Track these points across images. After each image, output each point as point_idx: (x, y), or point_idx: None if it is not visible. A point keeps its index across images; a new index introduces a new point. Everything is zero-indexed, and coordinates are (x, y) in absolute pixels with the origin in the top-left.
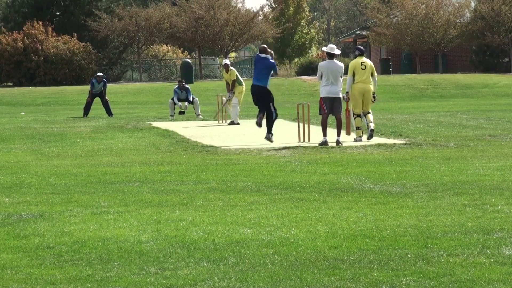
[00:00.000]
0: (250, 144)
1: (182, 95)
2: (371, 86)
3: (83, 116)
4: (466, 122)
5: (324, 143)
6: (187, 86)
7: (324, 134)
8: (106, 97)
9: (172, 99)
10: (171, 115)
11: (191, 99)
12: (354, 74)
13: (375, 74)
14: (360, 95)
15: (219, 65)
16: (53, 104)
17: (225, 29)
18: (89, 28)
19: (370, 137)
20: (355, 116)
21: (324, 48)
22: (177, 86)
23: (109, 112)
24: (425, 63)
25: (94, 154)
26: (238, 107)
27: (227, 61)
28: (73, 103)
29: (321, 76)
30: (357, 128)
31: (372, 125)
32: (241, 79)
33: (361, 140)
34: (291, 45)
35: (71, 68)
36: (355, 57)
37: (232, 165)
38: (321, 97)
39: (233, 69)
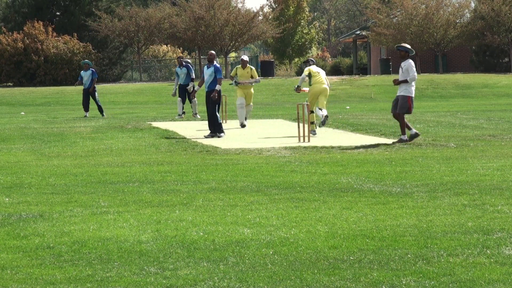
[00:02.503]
0: (250, 144)
1: (182, 71)
2: (327, 86)
3: (85, 113)
4: (466, 122)
5: (415, 135)
6: (187, 63)
7: (409, 128)
8: (96, 95)
9: (180, 96)
10: (179, 114)
11: (193, 75)
12: (310, 76)
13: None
14: (316, 95)
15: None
16: (53, 104)
17: (225, 29)
18: (89, 28)
19: (323, 123)
20: (310, 112)
21: (407, 45)
22: (178, 66)
23: (100, 110)
24: (425, 63)
25: (94, 154)
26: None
27: (246, 57)
28: (73, 103)
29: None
30: (311, 123)
31: (325, 112)
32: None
33: (315, 134)
34: (291, 45)
35: (71, 68)
36: (307, 66)
37: (232, 165)
38: (411, 97)
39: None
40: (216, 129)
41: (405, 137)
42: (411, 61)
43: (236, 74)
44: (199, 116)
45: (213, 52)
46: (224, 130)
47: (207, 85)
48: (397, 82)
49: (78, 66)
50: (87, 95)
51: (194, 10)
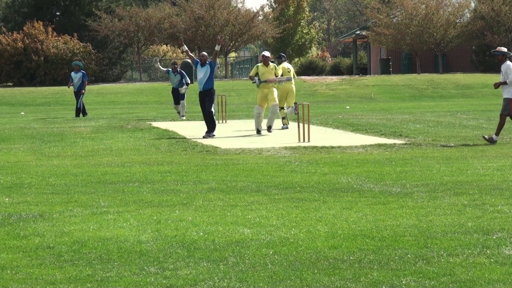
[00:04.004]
0: (250, 144)
1: (176, 77)
2: (293, 86)
3: (83, 115)
4: (466, 122)
5: (493, 141)
6: (182, 70)
7: (497, 133)
8: (83, 90)
9: (175, 102)
10: (182, 116)
11: (188, 81)
12: (282, 74)
13: (295, 76)
14: (284, 93)
15: (219, 65)
16: (53, 104)
17: (225, 29)
18: (89, 28)
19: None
20: (280, 108)
21: (502, 49)
22: (170, 69)
23: (83, 112)
24: (425, 63)
25: (94, 154)
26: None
27: (267, 53)
28: (73, 103)
29: None
30: (283, 118)
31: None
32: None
33: (287, 128)
34: (291, 45)
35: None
36: (280, 63)
37: (232, 165)
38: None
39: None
40: (210, 128)
41: (496, 137)
42: (509, 63)
43: (257, 73)
44: (184, 118)
45: (205, 53)
46: (224, 131)
47: (202, 84)
48: (497, 85)
49: None
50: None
51: (194, 10)
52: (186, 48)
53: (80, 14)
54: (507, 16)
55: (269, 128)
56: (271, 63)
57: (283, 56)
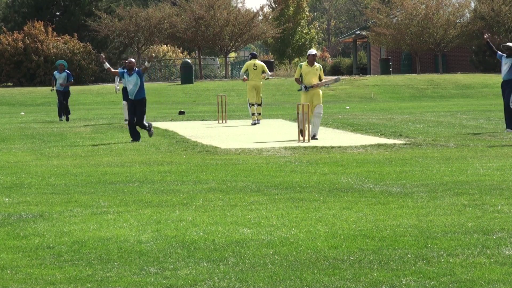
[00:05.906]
0: (250, 144)
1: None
2: (261, 83)
3: (59, 120)
4: (466, 122)
5: None
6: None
7: None
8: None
9: (126, 100)
10: (126, 119)
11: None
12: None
13: (267, 70)
14: (252, 89)
15: (219, 65)
16: (53, 104)
17: (225, 29)
18: (89, 28)
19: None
20: (250, 104)
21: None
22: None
23: (67, 113)
24: (425, 63)
25: (94, 154)
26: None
27: (314, 51)
28: (73, 103)
29: None
30: (252, 114)
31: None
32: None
33: (256, 123)
34: (291, 45)
35: (71, 68)
36: (249, 60)
37: (232, 165)
38: None
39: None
40: (135, 137)
41: None
42: None
43: (301, 74)
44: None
45: (132, 59)
46: (224, 131)
47: (133, 95)
48: None
49: (78, 66)
50: (60, 98)
51: (194, 10)
52: (108, 66)
53: (80, 14)
54: (507, 16)
55: (313, 137)
56: (316, 64)
57: (255, 54)
